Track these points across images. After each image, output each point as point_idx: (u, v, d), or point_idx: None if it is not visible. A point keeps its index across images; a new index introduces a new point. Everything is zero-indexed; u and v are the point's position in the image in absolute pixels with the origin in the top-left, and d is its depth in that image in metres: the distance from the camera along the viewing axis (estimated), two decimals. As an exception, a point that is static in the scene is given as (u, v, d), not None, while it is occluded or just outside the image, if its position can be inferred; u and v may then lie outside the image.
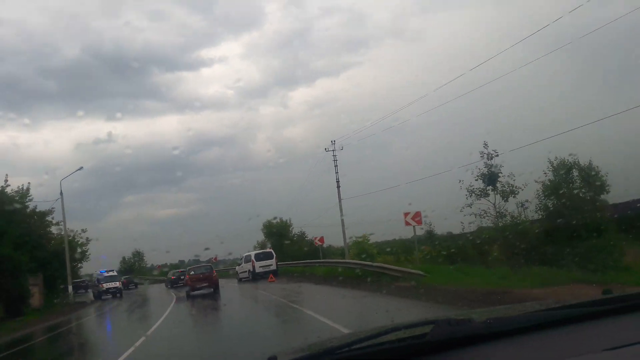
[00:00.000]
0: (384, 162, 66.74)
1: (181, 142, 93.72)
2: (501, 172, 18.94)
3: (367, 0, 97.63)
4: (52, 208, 33.98)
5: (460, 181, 19.63)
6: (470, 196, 19.45)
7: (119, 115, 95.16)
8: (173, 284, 38.64)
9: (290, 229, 49.30)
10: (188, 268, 30.48)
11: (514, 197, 18.76)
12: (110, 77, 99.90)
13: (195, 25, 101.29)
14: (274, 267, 33.05)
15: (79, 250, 39.04)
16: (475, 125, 51.73)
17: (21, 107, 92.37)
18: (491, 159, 18.98)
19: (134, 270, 72.63)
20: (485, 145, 19.10)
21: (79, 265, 41.31)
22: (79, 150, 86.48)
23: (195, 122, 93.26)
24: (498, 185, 19.00)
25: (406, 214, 19.86)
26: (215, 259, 47.80)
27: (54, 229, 35.36)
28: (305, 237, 45.22)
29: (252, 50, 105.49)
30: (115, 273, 42.01)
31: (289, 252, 42.32)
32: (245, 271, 34.80)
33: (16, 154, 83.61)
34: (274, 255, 34.55)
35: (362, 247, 26.40)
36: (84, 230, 39.55)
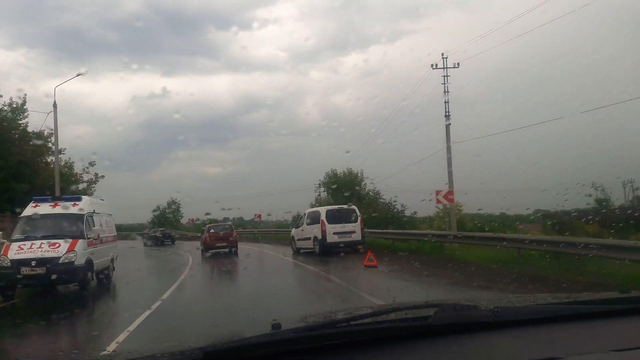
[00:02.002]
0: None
1: (230, 102, 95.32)
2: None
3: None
4: (48, 130, 25.81)
5: None
6: None
7: (173, 71, 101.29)
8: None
9: (363, 185, 37.89)
10: (207, 225, 27.29)
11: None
12: (167, 32, 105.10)
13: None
14: (358, 237, 20.56)
15: (79, 187, 29.93)
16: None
17: (83, 57, 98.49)
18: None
19: (167, 222, 64.78)
20: None
21: None
22: (134, 103, 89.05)
23: (245, 83, 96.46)
24: None
25: (438, 192, 18.70)
26: (259, 216, 43.74)
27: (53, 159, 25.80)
28: (381, 198, 33.53)
29: (307, 12, 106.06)
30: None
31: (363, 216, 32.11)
32: (308, 238, 21.82)
33: (76, 102, 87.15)
34: (359, 216, 21.08)
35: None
36: (92, 164, 29.71)
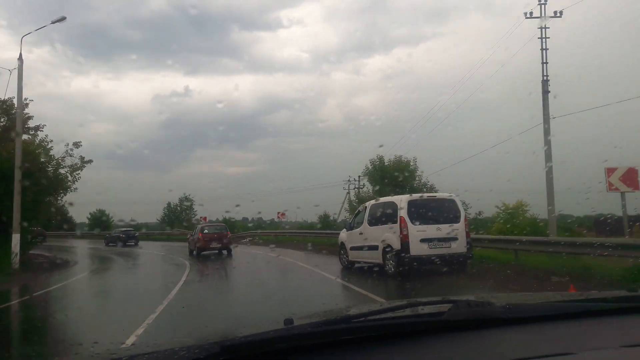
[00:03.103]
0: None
1: (252, 103, 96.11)
2: None
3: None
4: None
5: None
6: None
7: (196, 70, 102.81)
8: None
9: (416, 175, 31.27)
10: (200, 226, 26.56)
11: None
12: (191, 32, 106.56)
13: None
14: (462, 246, 12.66)
15: (60, 172, 22.06)
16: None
17: (107, 55, 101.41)
18: None
19: (179, 220, 56.81)
20: None
21: (60, 198, 23.33)
22: (156, 102, 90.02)
23: (267, 83, 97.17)
24: None
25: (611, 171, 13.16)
26: (282, 215, 38.94)
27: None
28: (436, 190, 27.70)
29: (332, 14, 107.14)
30: None
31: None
32: (373, 247, 13.80)
33: (98, 100, 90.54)
34: (462, 212, 13.33)
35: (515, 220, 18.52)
36: (77, 145, 21.99)
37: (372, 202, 15.46)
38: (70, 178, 22.18)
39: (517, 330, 1.79)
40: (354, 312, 1.98)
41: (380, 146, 49.74)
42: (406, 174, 30.69)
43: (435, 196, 14.87)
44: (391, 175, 30.55)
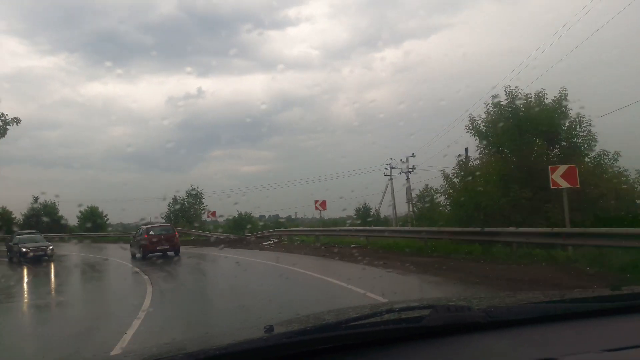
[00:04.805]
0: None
1: (264, 101, 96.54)
2: None
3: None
4: None
5: None
6: None
7: (208, 71, 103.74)
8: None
9: (575, 123, 18.25)
10: (145, 227, 25.03)
11: None
12: (201, 34, 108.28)
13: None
14: None
15: None
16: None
17: (120, 60, 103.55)
18: None
19: (186, 216, 47.83)
20: None
21: None
22: (170, 104, 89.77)
23: (278, 82, 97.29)
24: None
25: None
26: (323, 205, 24.68)
27: None
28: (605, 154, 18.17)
29: (340, 9, 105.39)
30: None
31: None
32: None
33: (114, 104, 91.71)
34: None
35: None
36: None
37: None
38: None
39: (498, 335, 1.75)
40: (332, 320, 1.97)
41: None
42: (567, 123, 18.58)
43: None
44: (538, 122, 18.33)
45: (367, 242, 20.93)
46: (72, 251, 32.28)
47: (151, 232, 23.79)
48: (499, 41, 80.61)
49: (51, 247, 25.90)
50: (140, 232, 24.30)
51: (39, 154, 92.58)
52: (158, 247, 23.07)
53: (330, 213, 28.91)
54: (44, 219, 52.13)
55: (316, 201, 25.06)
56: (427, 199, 40.63)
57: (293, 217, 42.07)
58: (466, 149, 24.32)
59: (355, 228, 26.65)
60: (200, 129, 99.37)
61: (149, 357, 1.57)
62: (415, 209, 41.33)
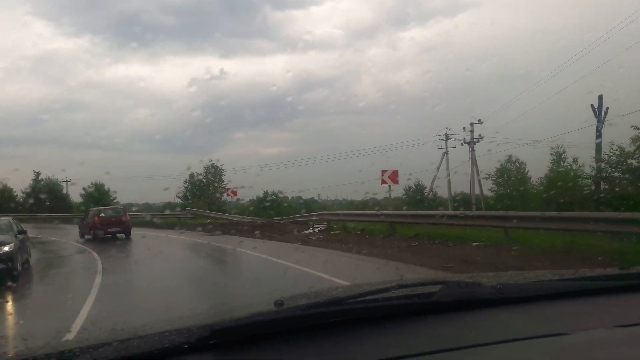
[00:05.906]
0: None
1: (287, 82, 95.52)
2: None
3: None
4: None
5: None
6: None
7: (231, 53, 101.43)
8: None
9: None
10: (93, 209, 25.34)
11: None
12: (224, 14, 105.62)
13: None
14: None
15: None
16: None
17: (144, 41, 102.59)
18: None
19: (206, 194, 44.75)
20: None
21: None
22: (193, 85, 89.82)
23: (301, 62, 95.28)
24: None
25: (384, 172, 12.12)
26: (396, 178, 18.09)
27: None
28: None
29: None
30: None
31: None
32: None
33: (137, 86, 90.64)
34: None
35: None
36: None
37: None
38: None
39: (508, 310, 1.77)
40: (344, 294, 1.98)
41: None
42: None
43: None
44: None
45: (508, 239, 12.67)
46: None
47: (102, 215, 23.75)
48: (525, 21, 77.26)
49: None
50: (91, 214, 24.17)
51: (63, 135, 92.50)
52: (109, 230, 23.03)
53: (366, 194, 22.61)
54: (41, 196, 49.57)
55: (383, 171, 17.82)
56: (515, 173, 36.48)
57: (316, 198, 39.40)
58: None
59: (477, 214, 17.73)
60: (223, 111, 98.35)
61: (168, 329, 1.57)
62: (493, 185, 37.56)
